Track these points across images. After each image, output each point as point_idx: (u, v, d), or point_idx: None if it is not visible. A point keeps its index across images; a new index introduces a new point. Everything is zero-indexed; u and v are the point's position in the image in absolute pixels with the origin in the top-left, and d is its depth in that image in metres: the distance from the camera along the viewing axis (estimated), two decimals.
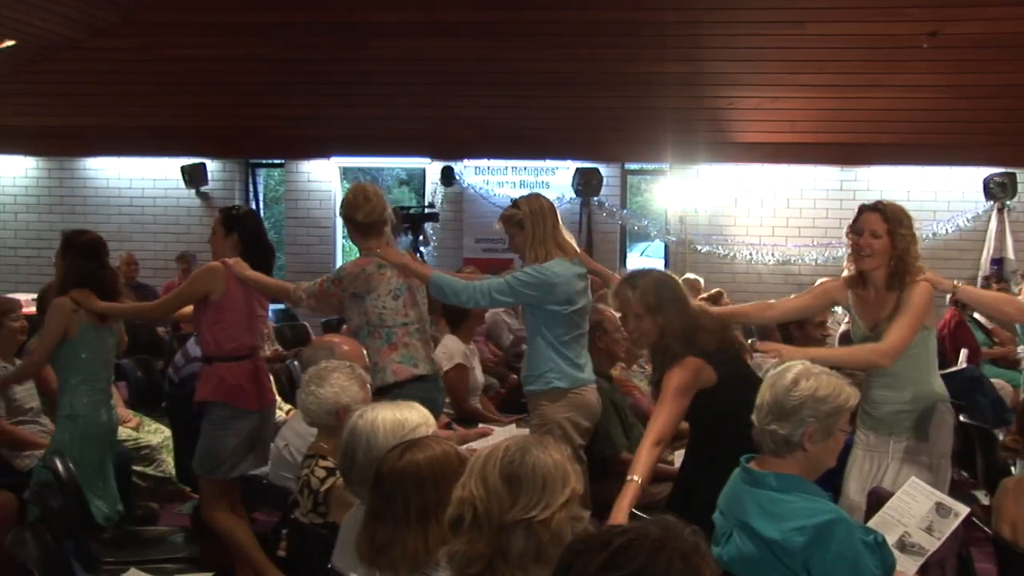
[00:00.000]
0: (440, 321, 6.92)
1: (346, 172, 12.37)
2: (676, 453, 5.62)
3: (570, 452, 2.44)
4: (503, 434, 5.47)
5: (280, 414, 6.22)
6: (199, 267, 5.28)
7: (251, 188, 12.45)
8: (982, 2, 9.96)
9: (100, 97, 11.56)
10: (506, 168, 11.57)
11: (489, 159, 11.57)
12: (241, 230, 5.13)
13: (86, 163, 12.38)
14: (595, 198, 11.29)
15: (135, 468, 6.31)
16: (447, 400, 6.37)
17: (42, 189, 12.44)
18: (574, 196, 11.28)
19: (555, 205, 4.82)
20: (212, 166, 12.03)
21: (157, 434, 6.68)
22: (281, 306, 10.27)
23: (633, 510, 3.68)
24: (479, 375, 6.70)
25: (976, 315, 8.67)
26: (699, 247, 11.22)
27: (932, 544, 3.29)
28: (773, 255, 11.10)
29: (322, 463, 3.66)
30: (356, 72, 11.06)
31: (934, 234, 10.73)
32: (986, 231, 10.79)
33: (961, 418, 5.68)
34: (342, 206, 4.99)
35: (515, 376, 8.28)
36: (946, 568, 3.48)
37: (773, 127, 10.88)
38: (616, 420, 5.37)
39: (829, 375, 3.04)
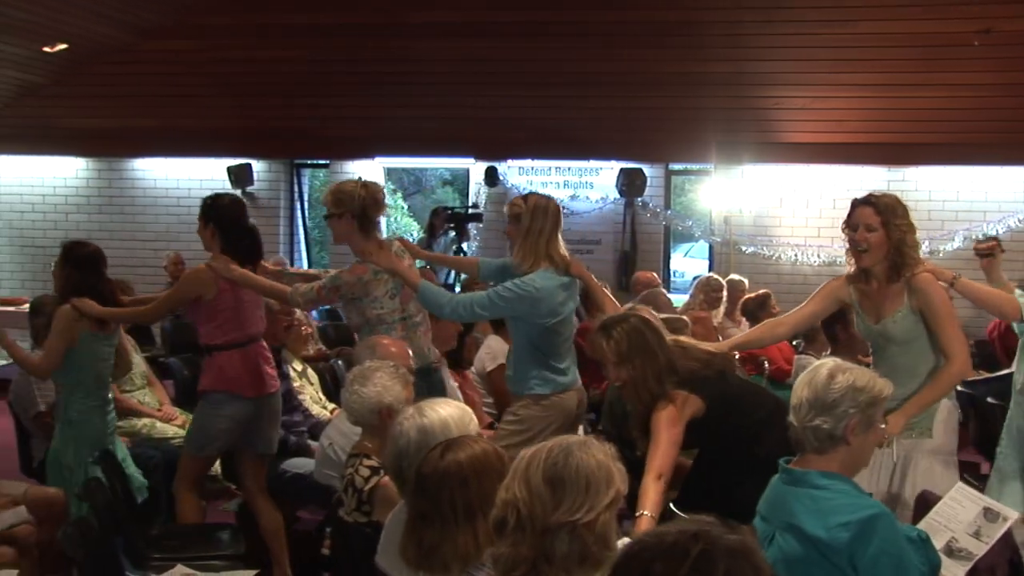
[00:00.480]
0: (484, 323, 6.93)
1: (390, 172, 12.43)
2: None
3: (614, 451, 2.42)
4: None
5: (325, 413, 6.26)
6: (188, 270, 5.38)
7: (296, 188, 12.54)
8: None
9: (149, 99, 11.69)
10: (550, 168, 11.55)
11: (533, 159, 11.56)
12: (216, 219, 5.22)
13: (134, 164, 12.53)
14: (639, 199, 11.24)
15: None
16: (490, 400, 6.39)
17: (92, 190, 12.60)
18: (618, 197, 11.24)
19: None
20: (258, 167, 12.11)
21: None
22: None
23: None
24: None
25: None
26: (744, 248, 11.14)
27: (980, 549, 3.25)
28: (819, 256, 10.99)
29: (366, 462, 3.68)
30: (401, 73, 11.09)
31: (984, 235, 10.56)
32: None
33: None
34: (353, 202, 5.00)
35: None
36: (996, 574, 3.44)
37: (820, 127, 10.78)
38: None
39: (859, 368, 3.05)
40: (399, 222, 20.56)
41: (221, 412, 5.15)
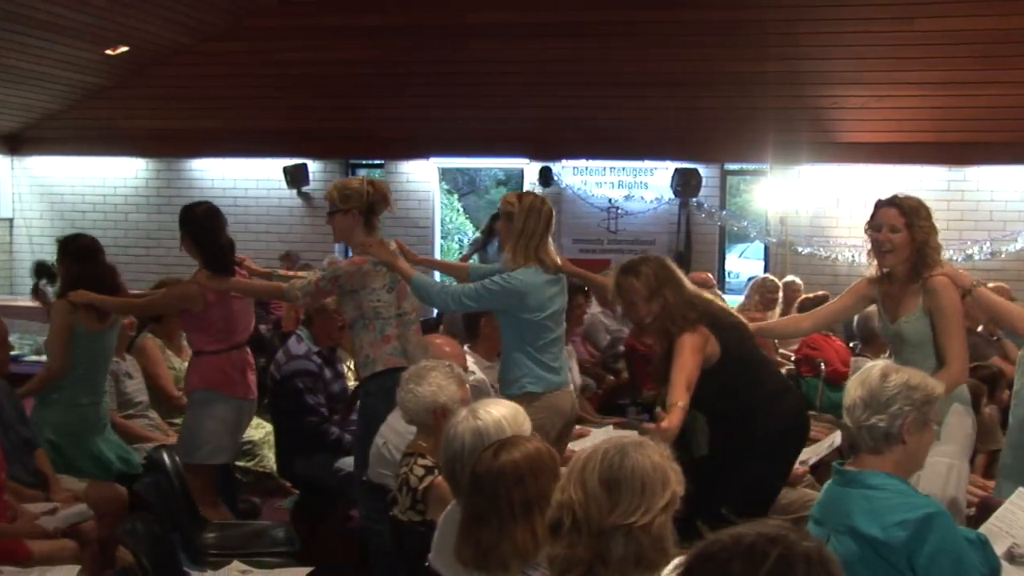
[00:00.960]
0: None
1: (444, 172, 12.47)
2: None
3: (670, 453, 2.41)
4: (600, 435, 5.45)
5: None
6: (176, 284, 5.55)
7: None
8: None
9: (207, 100, 11.84)
10: (604, 169, 11.52)
11: (587, 159, 11.53)
12: (191, 228, 5.35)
13: (192, 164, 12.69)
14: (694, 199, 11.16)
15: (237, 463, 6.45)
16: None
17: (151, 190, 12.78)
18: (673, 197, 11.18)
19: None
20: (313, 167, 12.21)
21: (259, 430, 6.81)
22: None
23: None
24: (576, 376, 6.68)
25: None
26: (800, 249, 11.02)
27: None
28: None
29: (421, 461, 3.69)
30: (456, 73, 11.12)
31: None
32: None
33: None
34: (360, 198, 5.07)
35: (612, 377, 8.27)
36: None
37: (878, 126, 10.62)
38: None
39: (911, 368, 3.07)
40: (454, 222, 20.62)
41: (209, 413, 5.27)
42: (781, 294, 8.72)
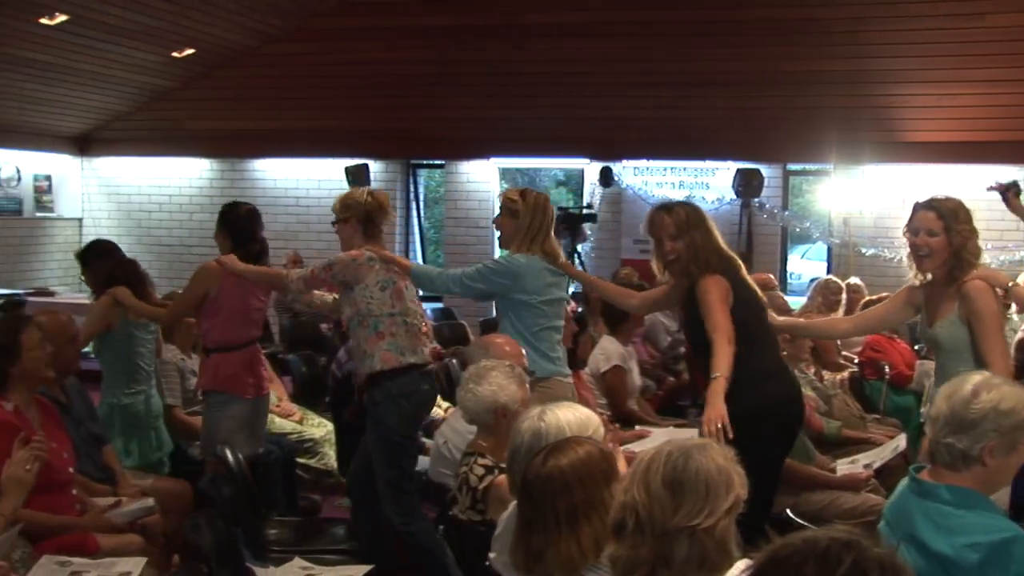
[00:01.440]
0: (598, 322, 6.92)
1: (504, 172, 12.48)
2: (839, 461, 5.49)
3: (734, 455, 2.39)
4: (661, 437, 5.43)
5: (439, 412, 6.31)
6: (199, 268, 5.70)
7: (412, 188, 12.68)
8: None
9: (270, 101, 11.97)
10: (665, 169, 11.46)
11: (648, 160, 11.47)
12: (229, 226, 5.54)
13: (255, 164, 12.84)
14: (756, 199, 11.06)
15: (298, 461, 6.52)
16: (604, 401, 6.36)
17: (215, 190, 12.94)
18: (734, 197, 11.09)
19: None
20: (375, 167, 12.29)
21: (320, 428, 6.87)
22: (440, 305, 10.43)
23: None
24: (637, 377, 6.66)
25: None
26: (864, 250, 10.87)
27: None
28: None
29: (481, 461, 3.70)
30: (517, 74, 11.13)
31: None
32: None
33: None
34: (359, 207, 5.13)
35: (672, 379, 8.22)
36: None
37: (946, 125, 10.43)
38: None
39: (1012, 386, 2.86)
40: None
41: (225, 413, 5.41)
42: (844, 296, 8.60)
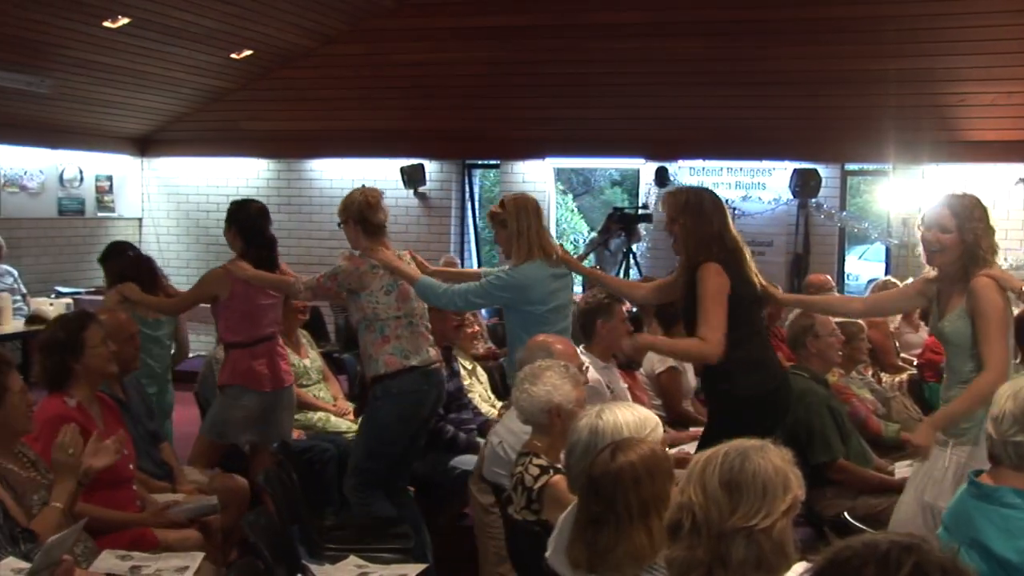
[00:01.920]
0: (652, 323, 6.89)
1: (559, 172, 12.47)
2: (897, 464, 5.43)
3: (791, 456, 2.37)
4: None
5: (493, 411, 6.33)
6: (205, 274, 5.96)
7: (467, 188, 12.71)
8: None
9: (327, 102, 12.06)
10: (721, 169, 11.37)
11: (704, 160, 11.40)
12: (237, 223, 5.73)
13: (311, 164, 12.94)
14: (813, 200, 10.94)
15: None
16: (658, 402, 6.34)
17: (272, 190, 13.06)
18: (791, 198, 10.98)
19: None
20: (430, 167, 12.33)
21: None
22: (491, 307, 10.43)
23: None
24: (691, 378, 6.61)
25: None
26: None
27: None
28: (1006, 259, 10.43)
29: (536, 461, 3.70)
30: (573, 74, 11.10)
31: None
32: None
33: None
34: (353, 208, 5.32)
35: None
36: None
37: (1007, 124, 10.24)
38: (833, 426, 5.22)
39: None
40: (568, 222, 20.62)
41: (237, 403, 5.63)
42: None
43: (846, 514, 4.88)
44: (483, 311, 9.02)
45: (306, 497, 4.97)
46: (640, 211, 11.00)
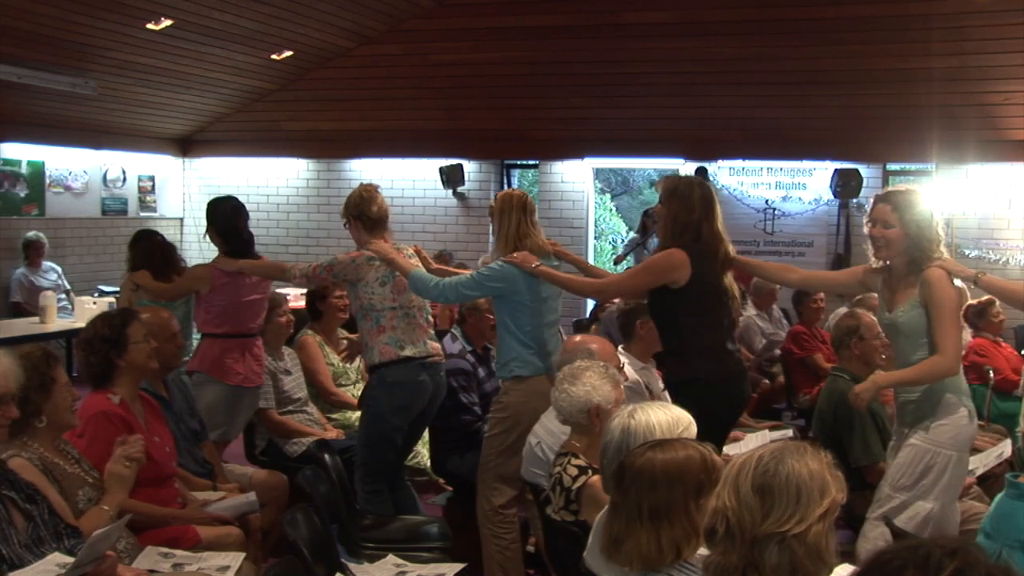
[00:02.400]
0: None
1: (598, 173, 12.44)
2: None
3: (831, 459, 2.34)
4: (756, 440, 5.37)
5: None
6: (192, 267, 6.31)
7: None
8: None
9: (366, 102, 12.12)
10: (761, 169, 11.32)
11: (744, 160, 11.35)
12: (212, 219, 6.01)
13: (350, 165, 13.01)
14: (854, 200, 10.86)
15: None
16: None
17: (311, 190, 13.16)
18: (832, 198, 10.91)
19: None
20: (469, 167, 12.36)
21: None
22: None
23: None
24: None
25: None
26: (967, 252, 10.59)
27: None
28: None
29: (574, 461, 3.69)
30: (612, 74, 11.07)
31: None
32: None
33: None
34: (351, 205, 5.49)
35: (767, 381, 8.11)
36: None
37: None
38: (873, 429, 5.17)
39: None
40: (607, 222, 20.58)
41: (200, 393, 5.68)
42: None
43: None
44: None
45: (345, 496, 4.99)
46: None
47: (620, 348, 5.45)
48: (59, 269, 11.34)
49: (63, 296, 10.56)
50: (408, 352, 5.31)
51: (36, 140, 11.42)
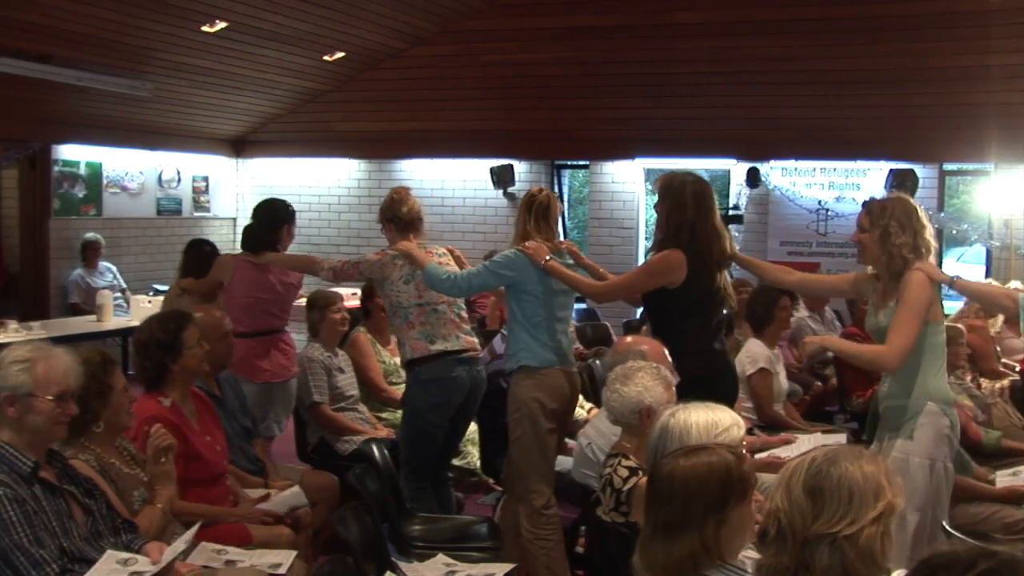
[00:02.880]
0: (743, 325, 6.81)
1: (649, 173, 12.39)
2: (998, 473, 5.29)
3: (889, 464, 2.31)
4: (808, 443, 5.30)
5: (582, 412, 6.31)
6: (218, 257, 6.58)
7: (556, 189, 12.68)
8: None
9: (417, 103, 12.15)
10: (814, 169, 11.19)
11: (797, 160, 11.23)
12: (257, 217, 6.33)
13: (401, 165, 13.05)
14: None
15: None
16: (749, 404, 6.25)
17: (362, 190, 13.22)
18: None
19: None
20: (520, 167, 12.36)
21: None
22: (583, 306, 10.41)
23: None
24: (783, 380, 6.52)
25: None
26: None
27: None
28: None
29: (625, 462, 3.68)
30: (664, 74, 11.01)
31: None
32: None
33: None
34: (384, 209, 5.63)
35: (819, 383, 8.02)
36: None
37: None
38: None
39: None
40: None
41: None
42: None
43: (944, 523, 4.76)
44: (574, 313, 9.00)
45: (395, 495, 5.01)
46: (731, 212, 10.87)
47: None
48: (114, 269, 11.50)
49: (119, 295, 10.71)
50: (439, 347, 5.40)
51: (93, 141, 11.58)
